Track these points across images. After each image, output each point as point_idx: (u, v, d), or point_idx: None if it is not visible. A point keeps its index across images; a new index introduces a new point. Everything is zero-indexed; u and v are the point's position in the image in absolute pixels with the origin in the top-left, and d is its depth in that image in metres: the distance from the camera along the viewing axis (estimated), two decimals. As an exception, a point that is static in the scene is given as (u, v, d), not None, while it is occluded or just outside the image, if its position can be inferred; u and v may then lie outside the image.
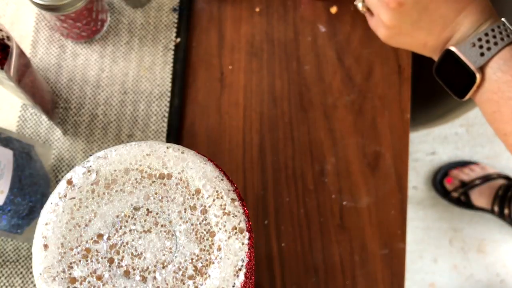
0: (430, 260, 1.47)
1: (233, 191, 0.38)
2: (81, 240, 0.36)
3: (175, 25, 0.75)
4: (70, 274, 0.35)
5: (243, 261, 0.36)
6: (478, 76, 0.52)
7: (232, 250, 0.36)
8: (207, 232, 0.37)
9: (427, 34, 0.55)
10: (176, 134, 0.71)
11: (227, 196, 0.37)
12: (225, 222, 0.37)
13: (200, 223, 0.37)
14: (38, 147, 0.67)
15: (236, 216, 0.37)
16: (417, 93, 0.81)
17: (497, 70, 0.51)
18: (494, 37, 0.52)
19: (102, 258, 0.36)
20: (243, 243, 0.36)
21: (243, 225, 0.37)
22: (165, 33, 0.74)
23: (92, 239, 0.36)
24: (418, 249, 1.47)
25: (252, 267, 0.39)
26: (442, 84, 0.56)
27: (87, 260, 0.36)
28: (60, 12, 0.64)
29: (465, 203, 1.46)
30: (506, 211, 1.42)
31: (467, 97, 0.54)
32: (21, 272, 0.66)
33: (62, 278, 0.35)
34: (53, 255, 0.36)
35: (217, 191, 0.37)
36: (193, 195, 0.37)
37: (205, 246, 0.36)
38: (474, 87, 0.53)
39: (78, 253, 0.36)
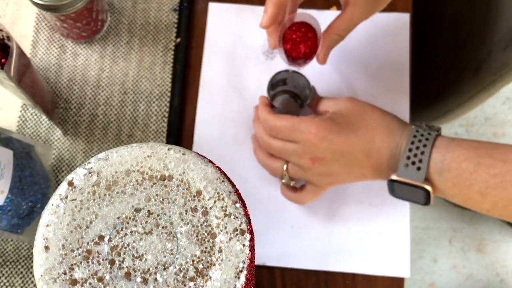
0: (430, 260, 1.47)
1: (234, 192, 0.38)
2: (82, 241, 0.36)
3: (175, 25, 0.75)
4: (71, 275, 0.35)
5: (244, 262, 0.36)
6: (428, 187, 0.56)
7: (233, 252, 0.36)
8: (208, 234, 0.36)
9: (360, 168, 0.60)
10: (176, 134, 0.71)
11: (228, 198, 0.37)
12: (226, 223, 0.36)
13: (201, 225, 0.37)
14: (38, 147, 0.67)
15: (237, 217, 0.37)
16: (417, 93, 0.81)
17: (441, 172, 0.55)
18: (418, 148, 0.56)
19: (103, 259, 0.36)
20: (244, 245, 0.36)
21: (244, 226, 0.36)
22: (165, 33, 0.74)
23: (93, 240, 0.36)
24: (418, 249, 1.47)
25: (253, 268, 0.38)
26: (405, 200, 0.61)
27: (88, 262, 0.36)
28: (60, 12, 0.64)
29: None
30: None
31: (432, 202, 0.58)
32: (21, 272, 0.66)
33: (63, 280, 0.35)
34: (54, 256, 0.35)
35: (218, 193, 0.37)
36: (194, 196, 0.37)
37: (206, 247, 0.36)
38: (432, 195, 0.56)
39: (79, 254, 0.36)
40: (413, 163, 0.56)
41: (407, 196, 0.59)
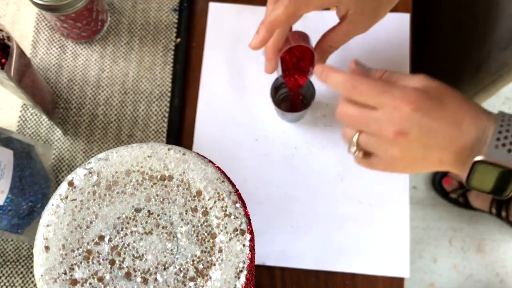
0: (430, 259, 1.47)
1: (234, 192, 0.38)
2: (82, 241, 0.36)
3: (175, 25, 0.75)
4: (71, 275, 0.35)
5: (244, 262, 0.36)
6: None
7: (233, 252, 0.36)
8: (208, 234, 0.37)
9: (440, 151, 0.54)
10: (176, 134, 0.71)
11: (228, 198, 0.37)
12: (226, 223, 0.37)
13: (201, 225, 0.37)
14: (38, 147, 0.67)
15: (237, 217, 0.37)
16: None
17: None
18: (508, 130, 0.53)
19: (103, 259, 0.36)
20: (244, 245, 0.36)
21: (244, 226, 0.37)
22: (165, 33, 0.74)
23: (93, 240, 0.36)
24: (418, 249, 1.47)
25: (253, 268, 0.39)
26: (478, 191, 0.56)
27: (88, 262, 0.36)
28: (60, 12, 0.64)
29: (463, 204, 1.46)
30: (503, 213, 1.42)
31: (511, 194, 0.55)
32: (22, 272, 0.66)
33: (63, 280, 0.35)
34: (55, 256, 0.35)
35: (218, 193, 0.37)
36: (194, 196, 0.37)
37: (206, 247, 0.36)
38: None
39: (80, 254, 0.36)
40: (504, 145, 0.52)
41: (485, 185, 0.54)
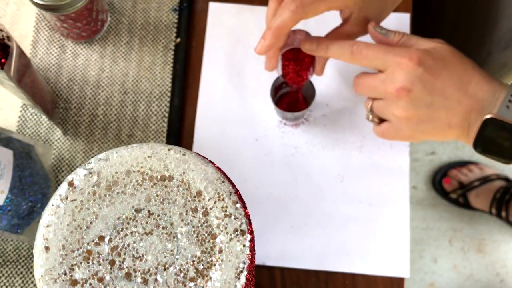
0: (430, 260, 1.47)
1: (235, 193, 0.38)
2: (82, 242, 0.36)
3: (175, 25, 0.75)
4: (71, 276, 0.35)
5: (244, 263, 0.36)
6: None
7: (233, 252, 0.36)
8: (208, 234, 0.36)
9: (447, 112, 0.54)
10: (176, 134, 0.71)
11: (228, 198, 0.37)
12: (227, 224, 0.36)
13: (201, 225, 0.37)
14: (38, 147, 0.67)
15: (237, 218, 0.37)
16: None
17: None
18: None
19: (103, 260, 0.36)
20: (244, 245, 0.36)
21: (244, 227, 0.36)
22: (165, 33, 0.74)
23: (93, 241, 0.36)
24: (418, 249, 1.47)
25: (253, 269, 0.39)
26: (485, 155, 0.55)
27: (88, 262, 0.36)
28: (60, 12, 0.64)
29: (463, 204, 1.46)
30: (503, 213, 1.42)
31: None
32: (21, 272, 0.66)
33: (63, 280, 0.35)
34: (55, 257, 0.35)
35: (218, 193, 0.37)
36: (194, 197, 0.37)
37: (206, 248, 0.36)
38: None
39: (80, 255, 0.36)
40: None
41: (493, 146, 0.53)
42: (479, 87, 0.54)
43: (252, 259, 0.37)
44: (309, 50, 0.58)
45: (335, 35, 0.60)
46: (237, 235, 0.36)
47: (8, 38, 0.57)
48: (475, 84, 0.54)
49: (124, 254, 0.36)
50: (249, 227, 0.37)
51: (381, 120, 0.59)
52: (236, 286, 0.35)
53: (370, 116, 0.59)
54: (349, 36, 0.60)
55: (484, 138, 0.53)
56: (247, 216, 0.37)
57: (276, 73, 0.68)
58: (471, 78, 0.54)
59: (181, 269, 0.36)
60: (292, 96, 0.70)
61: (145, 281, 0.36)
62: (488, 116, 0.52)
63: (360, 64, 0.56)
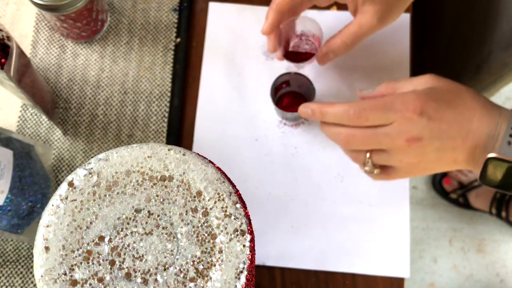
0: (430, 260, 1.47)
1: (235, 193, 0.38)
2: (82, 242, 0.36)
3: (175, 25, 0.75)
4: (71, 276, 0.35)
5: (244, 263, 0.36)
6: None
7: (233, 253, 0.36)
8: (208, 234, 0.36)
9: (453, 151, 0.55)
10: (176, 134, 0.71)
11: (228, 198, 0.37)
12: (227, 224, 0.36)
13: (201, 225, 0.37)
14: (38, 147, 0.67)
15: (237, 218, 0.37)
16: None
17: None
18: None
19: (103, 260, 0.36)
20: (244, 245, 0.36)
21: (244, 227, 0.36)
22: (165, 33, 0.74)
23: (93, 241, 0.36)
24: (418, 249, 1.47)
25: (253, 269, 0.38)
26: (493, 188, 0.56)
27: (88, 263, 0.36)
28: (60, 12, 0.64)
29: (463, 204, 1.46)
30: (503, 213, 1.42)
31: None
32: (21, 272, 0.66)
33: (63, 281, 0.35)
34: (55, 257, 0.35)
35: (218, 193, 0.37)
36: (194, 197, 0.37)
37: (206, 248, 0.36)
38: None
39: (80, 255, 0.36)
40: None
41: (498, 181, 0.54)
42: (482, 122, 0.54)
43: (252, 259, 0.37)
44: (305, 115, 0.60)
45: (346, 27, 0.60)
46: (237, 235, 0.36)
47: (8, 38, 0.57)
48: (478, 119, 0.54)
49: (124, 254, 0.36)
50: (249, 227, 0.37)
51: (382, 167, 0.59)
52: (236, 286, 0.35)
53: (370, 168, 0.59)
54: (359, 26, 0.59)
55: (489, 174, 0.54)
56: (247, 216, 0.37)
57: (276, 74, 0.68)
58: (473, 113, 0.54)
59: (181, 269, 0.36)
60: (292, 96, 0.70)
61: (145, 281, 0.36)
62: (490, 155, 0.53)
63: (362, 126, 0.56)
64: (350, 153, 0.60)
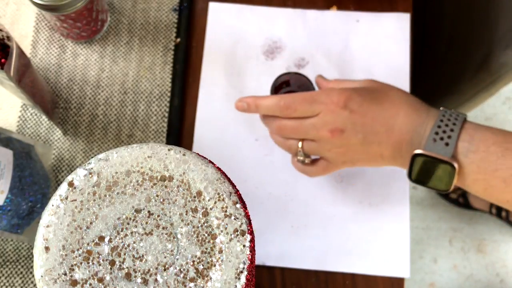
0: (430, 260, 1.47)
1: (235, 193, 0.37)
2: (82, 242, 0.36)
3: (175, 25, 0.75)
4: (71, 276, 0.35)
5: (244, 263, 0.36)
6: (456, 164, 0.53)
7: (233, 253, 0.36)
8: (208, 235, 0.36)
9: (378, 145, 0.57)
10: (176, 134, 0.71)
11: (228, 199, 0.37)
12: (227, 224, 0.36)
13: (201, 226, 0.37)
14: (38, 147, 0.67)
15: (237, 218, 0.37)
16: (417, 93, 0.81)
17: (467, 153, 0.53)
18: (447, 125, 0.55)
19: (103, 260, 0.36)
20: (244, 246, 0.36)
21: (244, 227, 0.36)
22: (165, 33, 0.74)
23: (93, 241, 0.36)
24: (418, 249, 1.47)
25: (253, 269, 0.38)
26: (421, 185, 0.58)
27: (88, 263, 0.36)
28: (60, 12, 0.64)
29: (463, 204, 1.47)
30: (503, 213, 1.42)
31: (452, 187, 0.56)
32: (21, 272, 0.66)
33: (63, 281, 0.35)
34: (55, 257, 0.35)
35: (218, 194, 0.37)
36: (194, 197, 0.37)
37: (206, 248, 0.36)
38: (456, 176, 0.54)
39: (80, 255, 0.36)
40: (442, 138, 0.54)
41: (426, 178, 0.56)
42: (406, 118, 0.56)
43: (252, 260, 0.37)
44: (241, 109, 0.62)
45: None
46: (237, 235, 0.36)
47: (8, 38, 0.57)
48: (403, 116, 0.56)
49: (124, 254, 0.36)
50: (249, 227, 0.37)
51: (313, 160, 0.63)
52: (236, 286, 0.35)
53: (301, 157, 0.62)
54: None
55: (416, 170, 0.56)
56: (247, 216, 0.37)
57: (276, 74, 0.68)
58: (399, 110, 0.57)
59: (181, 269, 0.36)
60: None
61: (145, 282, 0.36)
62: (416, 152, 0.55)
63: (291, 117, 0.60)
64: (284, 144, 0.63)
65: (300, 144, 0.61)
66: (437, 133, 0.54)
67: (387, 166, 0.60)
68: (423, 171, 0.56)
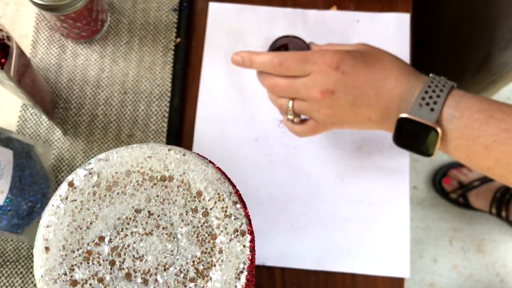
0: (430, 260, 1.47)
1: (235, 193, 0.38)
2: (82, 242, 0.36)
3: (175, 25, 0.75)
4: (71, 276, 0.35)
5: (244, 263, 0.36)
6: (439, 129, 0.54)
7: (233, 253, 0.36)
8: (208, 235, 0.36)
9: (367, 108, 0.58)
10: (176, 134, 0.71)
11: (228, 199, 0.37)
12: (227, 224, 0.36)
13: (201, 226, 0.37)
14: (38, 147, 0.67)
15: (237, 218, 0.37)
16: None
17: (452, 119, 0.54)
18: (434, 91, 0.55)
19: (103, 260, 0.36)
20: (244, 246, 0.36)
21: (244, 227, 0.36)
22: (165, 33, 0.74)
23: (93, 241, 0.36)
24: (418, 249, 1.47)
25: (253, 269, 0.38)
26: (406, 149, 0.59)
27: (88, 263, 0.36)
28: (60, 12, 0.64)
29: (463, 204, 1.46)
30: (503, 213, 1.42)
31: (435, 153, 0.56)
32: (21, 272, 0.66)
33: (63, 281, 0.35)
34: (55, 257, 0.35)
35: (218, 194, 0.37)
36: (194, 197, 0.37)
37: (206, 248, 0.36)
38: (439, 141, 0.55)
39: (80, 255, 0.36)
40: (427, 104, 0.54)
41: (411, 141, 0.57)
42: (396, 82, 0.57)
43: (252, 260, 0.37)
44: (236, 63, 0.63)
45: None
46: (237, 235, 0.36)
47: (8, 38, 0.57)
48: (393, 80, 0.57)
49: (124, 254, 0.36)
50: (249, 228, 0.37)
51: (302, 120, 0.63)
52: (236, 286, 0.35)
53: (291, 116, 0.62)
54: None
55: (402, 134, 0.57)
56: (247, 216, 0.37)
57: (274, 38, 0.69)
58: (389, 74, 0.57)
59: (181, 270, 0.36)
60: None
61: (145, 282, 0.36)
62: (402, 115, 0.56)
63: (283, 75, 0.60)
64: (276, 101, 0.63)
65: (290, 103, 0.61)
66: (423, 98, 0.55)
67: (375, 129, 0.61)
68: (408, 135, 0.56)
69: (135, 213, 0.37)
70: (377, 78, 0.57)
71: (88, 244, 0.36)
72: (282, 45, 0.68)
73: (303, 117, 0.63)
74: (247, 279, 0.36)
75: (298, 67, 0.59)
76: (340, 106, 0.58)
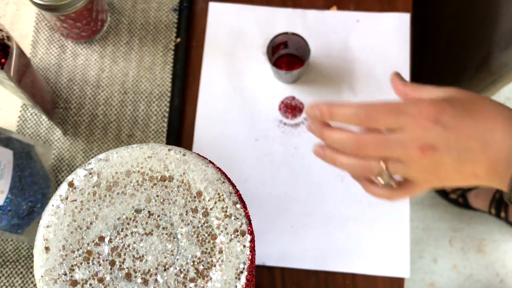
0: (430, 260, 1.47)
1: (235, 193, 0.38)
2: (82, 242, 0.36)
3: (175, 25, 0.75)
4: (71, 276, 0.35)
5: (244, 263, 0.36)
6: None
7: (233, 253, 0.36)
8: (208, 235, 0.36)
9: (473, 164, 0.51)
10: (176, 134, 0.71)
11: (228, 199, 0.37)
12: (227, 224, 0.36)
13: (201, 226, 0.37)
14: (38, 147, 0.67)
15: (237, 218, 0.37)
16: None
17: None
18: None
19: (103, 260, 0.36)
20: (244, 246, 0.36)
21: (244, 227, 0.36)
22: (165, 33, 0.74)
23: (93, 241, 0.36)
24: (418, 249, 1.47)
25: (253, 269, 0.38)
26: None
27: (88, 263, 0.36)
28: (60, 12, 0.64)
29: (463, 204, 1.46)
30: (502, 214, 1.42)
31: None
32: (21, 272, 0.66)
33: (63, 281, 0.35)
34: (55, 257, 0.35)
35: (218, 194, 0.37)
36: (194, 197, 0.37)
37: (206, 248, 0.36)
38: None
39: (80, 255, 0.36)
40: None
41: None
42: (504, 134, 0.50)
43: (252, 260, 0.37)
44: (313, 117, 0.54)
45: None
46: (237, 235, 0.36)
47: (8, 38, 0.57)
48: (501, 131, 0.50)
49: (124, 254, 0.36)
50: (249, 228, 0.37)
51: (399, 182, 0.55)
52: (236, 286, 0.35)
53: (386, 179, 0.54)
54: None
55: None
56: (247, 216, 0.37)
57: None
58: (496, 124, 0.50)
59: (181, 270, 0.36)
60: (289, 59, 0.72)
61: (145, 282, 0.36)
62: None
63: (370, 127, 0.52)
64: (361, 165, 0.54)
65: (384, 165, 0.52)
66: None
67: (481, 186, 0.53)
68: None
69: (135, 213, 0.37)
70: (482, 130, 0.50)
71: (88, 244, 0.36)
72: (281, 42, 0.68)
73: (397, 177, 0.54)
74: (247, 279, 0.36)
75: (390, 120, 0.50)
76: (443, 164, 0.50)
